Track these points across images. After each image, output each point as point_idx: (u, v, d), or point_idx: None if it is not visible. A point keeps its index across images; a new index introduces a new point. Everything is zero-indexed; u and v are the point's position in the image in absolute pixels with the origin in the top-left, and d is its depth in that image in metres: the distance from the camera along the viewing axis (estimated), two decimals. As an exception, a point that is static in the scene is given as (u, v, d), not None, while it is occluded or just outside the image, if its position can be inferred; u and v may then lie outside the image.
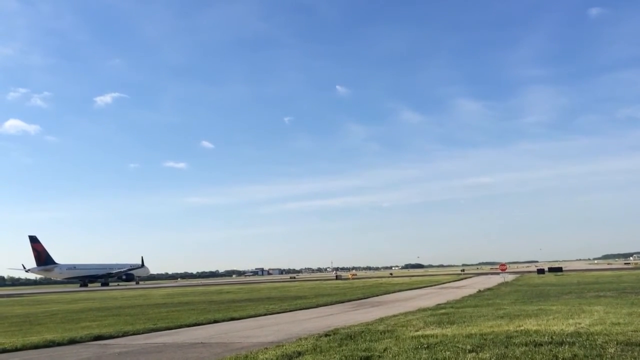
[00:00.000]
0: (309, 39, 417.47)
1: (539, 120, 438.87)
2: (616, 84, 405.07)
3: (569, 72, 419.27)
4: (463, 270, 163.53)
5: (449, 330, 14.27)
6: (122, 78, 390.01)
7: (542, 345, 11.13)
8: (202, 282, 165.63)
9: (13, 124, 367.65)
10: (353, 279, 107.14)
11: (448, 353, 10.74)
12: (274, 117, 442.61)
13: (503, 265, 60.29)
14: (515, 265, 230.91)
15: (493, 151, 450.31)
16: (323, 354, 11.59)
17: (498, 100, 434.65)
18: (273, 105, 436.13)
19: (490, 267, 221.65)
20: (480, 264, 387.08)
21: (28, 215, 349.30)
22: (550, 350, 10.45)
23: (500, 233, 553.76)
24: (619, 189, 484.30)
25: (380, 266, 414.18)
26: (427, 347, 11.61)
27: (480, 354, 10.51)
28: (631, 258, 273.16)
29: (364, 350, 11.61)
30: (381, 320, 18.62)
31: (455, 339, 12.36)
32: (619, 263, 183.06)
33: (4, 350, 15.53)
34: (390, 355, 10.92)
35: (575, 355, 10.00)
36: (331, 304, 30.30)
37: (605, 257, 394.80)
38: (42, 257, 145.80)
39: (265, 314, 24.70)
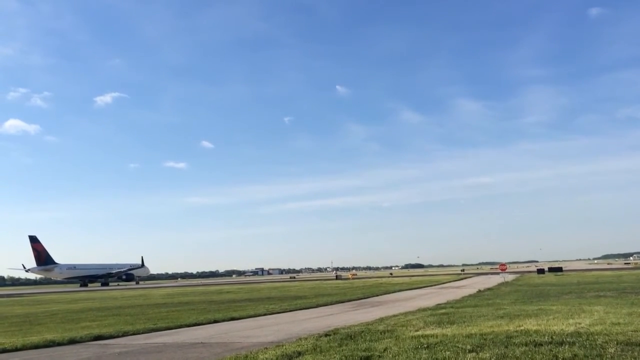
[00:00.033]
0: (309, 39, 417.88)
1: (539, 120, 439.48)
2: (616, 84, 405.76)
3: (569, 72, 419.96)
4: (463, 270, 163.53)
5: (449, 330, 14.27)
6: (122, 78, 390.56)
7: (542, 345, 11.13)
8: (202, 282, 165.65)
9: (13, 124, 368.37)
10: (353, 278, 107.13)
11: (448, 353, 10.74)
12: (274, 117, 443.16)
13: (503, 265, 60.30)
14: (515, 265, 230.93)
15: (493, 151, 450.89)
16: (323, 354, 11.59)
17: (498, 100, 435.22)
18: (273, 105, 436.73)
19: (490, 267, 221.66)
20: (480, 263, 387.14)
21: (28, 215, 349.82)
22: (550, 350, 10.45)
23: (500, 233, 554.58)
24: (619, 189, 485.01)
25: (380, 266, 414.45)
26: (427, 347, 11.61)
27: (480, 353, 10.51)
28: (631, 258, 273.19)
29: (364, 350, 11.61)
30: (381, 320, 18.62)
31: (455, 339, 12.36)
32: (619, 263, 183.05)
33: (4, 350, 15.53)
34: (390, 355, 10.92)
35: (575, 355, 10.00)
36: (331, 304, 30.30)
37: (605, 257, 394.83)
38: (42, 257, 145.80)
39: (265, 314, 24.70)
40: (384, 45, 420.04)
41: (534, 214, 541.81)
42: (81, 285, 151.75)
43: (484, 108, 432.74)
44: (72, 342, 16.94)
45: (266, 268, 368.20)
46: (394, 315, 20.41)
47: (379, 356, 10.98)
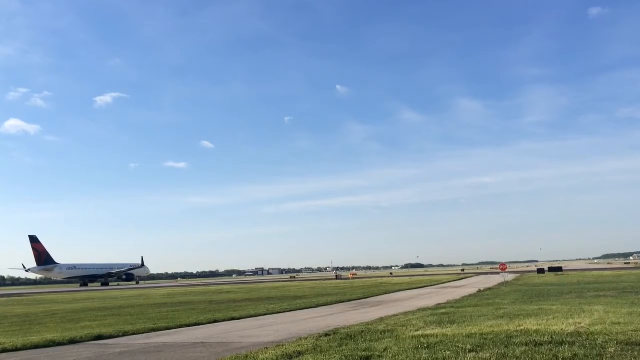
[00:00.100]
0: (309, 39, 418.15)
1: (539, 119, 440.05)
2: (616, 84, 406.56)
3: (569, 72, 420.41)
4: (463, 270, 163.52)
5: (449, 330, 14.26)
6: (122, 78, 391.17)
7: (542, 345, 11.13)
8: (202, 281, 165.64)
9: (13, 124, 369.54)
10: (353, 278, 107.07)
11: (448, 353, 10.74)
12: (274, 116, 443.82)
13: (503, 265, 60.26)
14: (515, 265, 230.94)
15: (493, 151, 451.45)
16: (323, 353, 11.59)
17: (498, 100, 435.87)
18: (273, 105, 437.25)
19: (490, 266, 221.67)
20: (480, 263, 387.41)
21: (28, 215, 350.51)
22: (551, 350, 10.45)
23: (500, 233, 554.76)
24: (619, 189, 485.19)
25: (380, 266, 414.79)
26: (427, 346, 11.61)
27: (481, 353, 10.51)
28: (631, 258, 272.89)
29: (364, 350, 11.61)
30: (381, 320, 18.62)
31: (456, 339, 12.36)
32: (619, 263, 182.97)
33: (4, 350, 15.53)
34: (391, 355, 10.92)
35: (575, 355, 10.00)
36: (331, 303, 30.30)
37: (605, 256, 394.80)
38: (42, 257, 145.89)
39: (265, 314, 24.70)
40: (384, 45, 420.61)
41: (534, 214, 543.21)
42: (81, 285, 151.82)
43: (484, 107, 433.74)
44: (72, 342, 16.95)
45: (266, 268, 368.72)
46: (394, 315, 20.40)
47: (379, 356, 10.98)
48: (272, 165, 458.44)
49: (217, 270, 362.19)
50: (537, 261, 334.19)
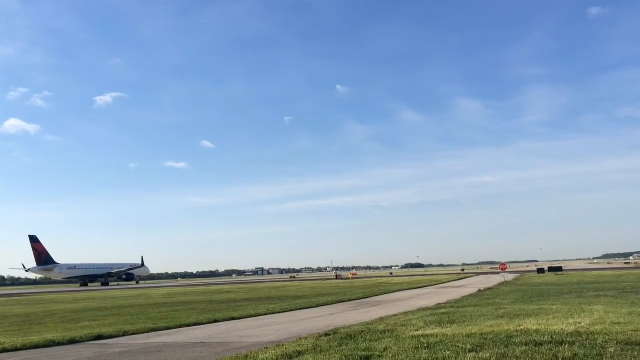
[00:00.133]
0: (309, 38, 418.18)
1: (539, 119, 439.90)
2: (616, 83, 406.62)
3: (569, 71, 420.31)
4: (463, 269, 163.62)
5: (449, 330, 14.26)
6: (122, 78, 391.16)
7: (542, 344, 11.13)
8: (202, 281, 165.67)
9: (13, 124, 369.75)
10: (353, 278, 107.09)
11: (448, 352, 10.74)
12: (274, 116, 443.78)
13: (503, 264, 60.29)
14: (515, 265, 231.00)
15: (493, 150, 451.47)
16: (323, 353, 11.59)
17: (498, 100, 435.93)
18: (273, 105, 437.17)
19: (490, 266, 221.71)
20: (480, 263, 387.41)
21: (28, 215, 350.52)
22: (551, 350, 10.45)
23: (500, 232, 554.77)
24: (619, 188, 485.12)
25: (380, 266, 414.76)
26: (427, 346, 11.61)
27: (481, 353, 10.51)
28: (631, 257, 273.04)
29: (364, 350, 11.61)
30: (381, 319, 18.62)
31: (456, 339, 12.36)
32: (619, 262, 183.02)
33: (4, 350, 15.53)
34: (391, 355, 10.92)
35: (575, 355, 10.00)
36: (331, 303, 30.30)
37: (606, 256, 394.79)
38: (42, 257, 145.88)
39: (265, 314, 24.70)
40: (384, 45, 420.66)
41: (534, 214, 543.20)
42: (81, 285, 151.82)
43: (484, 107, 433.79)
44: (72, 341, 16.95)
45: (266, 268, 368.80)
46: (394, 315, 20.40)
47: (379, 356, 10.98)
48: (272, 165, 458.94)
49: (217, 270, 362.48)
50: (537, 261, 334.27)
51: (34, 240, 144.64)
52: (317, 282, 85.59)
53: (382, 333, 14.47)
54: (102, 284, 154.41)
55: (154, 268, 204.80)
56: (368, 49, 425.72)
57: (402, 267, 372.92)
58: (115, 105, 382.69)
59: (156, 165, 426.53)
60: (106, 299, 52.16)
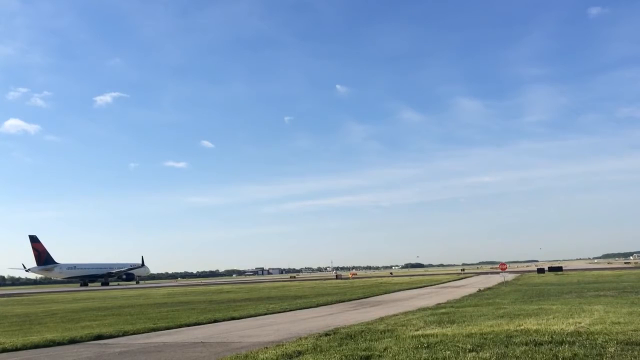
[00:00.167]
0: (309, 38, 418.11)
1: (539, 119, 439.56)
2: (616, 83, 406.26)
3: (569, 71, 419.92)
4: (463, 269, 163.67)
5: (449, 330, 14.26)
6: (122, 77, 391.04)
7: (542, 344, 11.13)
8: (202, 281, 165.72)
9: (13, 124, 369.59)
10: (353, 278, 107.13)
11: (448, 352, 10.74)
12: (274, 116, 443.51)
13: (503, 264, 60.32)
14: (515, 265, 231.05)
15: (493, 150, 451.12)
16: (323, 353, 11.59)
17: (498, 100, 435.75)
18: (273, 105, 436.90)
19: (490, 266, 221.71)
20: (480, 263, 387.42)
21: (28, 215, 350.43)
22: (551, 350, 10.45)
23: (500, 232, 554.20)
24: (619, 188, 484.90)
25: (380, 266, 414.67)
26: (427, 346, 11.61)
27: (481, 353, 10.51)
28: (631, 257, 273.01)
29: (364, 350, 11.61)
30: (381, 319, 18.62)
31: (456, 339, 12.36)
32: (619, 262, 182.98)
33: (4, 350, 15.53)
34: (391, 355, 10.91)
35: (575, 355, 10.00)
36: (331, 303, 30.30)
37: (606, 256, 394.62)
38: (43, 257, 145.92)
39: (265, 314, 24.70)
40: (384, 45, 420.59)
41: (534, 214, 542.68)
42: (81, 285, 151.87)
43: (484, 107, 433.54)
44: (72, 341, 16.95)
45: (266, 268, 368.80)
46: (394, 315, 20.41)
47: (379, 356, 10.97)
48: (272, 165, 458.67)
49: (217, 270, 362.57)
50: (537, 261, 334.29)
51: (34, 240, 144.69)
52: (317, 282, 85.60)
53: (382, 333, 14.47)
54: (102, 284, 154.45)
55: (154, 268, 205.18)
56: (368, 49, 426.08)
57: (402, 267, 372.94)
58: (115, 105, 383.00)
59: (156, 165, 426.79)
60: (106, 298, 52.17)
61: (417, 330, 14.78)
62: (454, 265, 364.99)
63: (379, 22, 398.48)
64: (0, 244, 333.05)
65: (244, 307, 29.62)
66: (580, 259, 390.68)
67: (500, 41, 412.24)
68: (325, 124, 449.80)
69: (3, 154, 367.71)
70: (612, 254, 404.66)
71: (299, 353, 11.77)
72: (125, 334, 18.46)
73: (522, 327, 13.76)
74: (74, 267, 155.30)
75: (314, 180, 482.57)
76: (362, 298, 34.62)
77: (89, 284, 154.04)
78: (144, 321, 22.86)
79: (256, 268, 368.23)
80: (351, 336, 14.04)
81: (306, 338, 14.15)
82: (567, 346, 10.80)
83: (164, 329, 19.63)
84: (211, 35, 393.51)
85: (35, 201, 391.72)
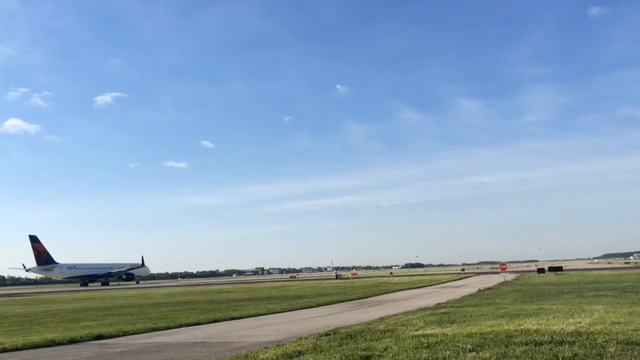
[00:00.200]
0: (309, 38, 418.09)
1: (539, 119, 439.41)
2: (616, 83, 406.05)
3: (569, 71, 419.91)
4: (463, 269, 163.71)
5: (449, 330, 14.27)
6: (122, 77, 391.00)
7: (542, 344, 11.13)
8: (203, 281, 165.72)
9: (13, 124, 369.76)
10: (353, 278, 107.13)
11: (448, 352, 10.74)
12: (274, 116, 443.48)
13: (503, 264, 60.30)
14: (515, 265, 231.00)
15: (493, 150, 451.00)
16: (323, 353, 11.59)
17: (498, 99, 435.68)
18: (273, 105, 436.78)
19: (490, 266, 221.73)
20: (480, 263, 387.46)
21: (28, 215, 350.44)
22: (551, 350, 10.45)
23: (500, 232, 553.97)
24: (618, 188, 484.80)
25: (380, 265, 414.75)
26: (428, 346, 11.61)
27: (481, 353, 10.51)
28: (631, 257, 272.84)
29: (364, 350, 11.61)
30: (381, 319, 18.63)
31: (456, 338, 12.36)
32: (619, 262, 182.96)
33: (5, 350, 15.53)
34: (391, 355, 10.92)
35: (575, 355, 10.00)
36: (331, 303, 30.30)
37: (606, 256, 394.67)
38: (43, 257, 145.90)
39: (265, 314, 24.71)
40: (384, 45, 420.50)
41: (534, 214, 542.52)
42: (81, 285, 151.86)
43: (484, 107, 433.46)
44: (72, 341, 16.95)
45: (266, 267, 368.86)
46: (394, 315, 20.41)
47: (379, 355, 10.98)
48: (272, 165, 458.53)
49: (217, 270, 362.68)
50: (537, 261, 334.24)
51: (34, 240, 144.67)
52: (317, 281, 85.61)
53: (382, 333, 14.48)
54: (102, 284, 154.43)
55: (154, 268, 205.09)
56: (368, 49, 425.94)
57: (402, 267, 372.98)
58: (115, 105, 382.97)
59: (156, 165, 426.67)
60: (106, 298, 52.17)
61: (417, 330, 14.78)
62: (454, 265, 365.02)
63: (379, 22, 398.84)
64: (0, 244, 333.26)
65: (244, 307, 29.62)
66: (580, 258, 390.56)
67: (500, 41, 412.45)
68: (325, 124, 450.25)
69: (3, 154, 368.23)
70: (612, 253, 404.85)
71: (299, 353, 11.77)
72: (125, 333, 18.46)
73: (522, 327, 13.76)
74: (74, 267, 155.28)
75: (314, 180, 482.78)
76: (362, 298, 34.62)
77: (89, 284, 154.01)
78: (144, 321, 22.87)
79: (256, 268, 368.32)
80: (351, 336, 14.04)
81: (306, 338, 14.16)
82: (567, 346, 10.81)
83: (164, 329, 19.64)
84: (211, 35, 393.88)
85: (35, 201, 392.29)
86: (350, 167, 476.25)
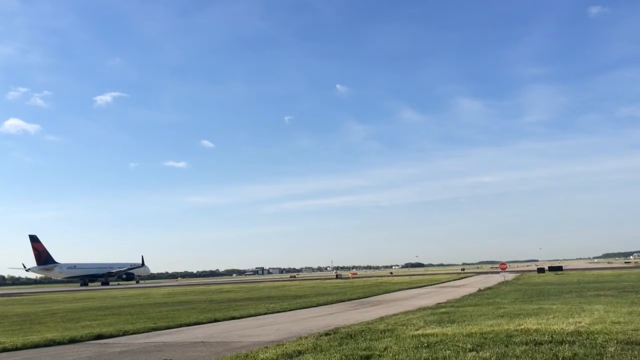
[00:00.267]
0: (309, 38, 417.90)
1: (539, 119, 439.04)
2: (616, 83, 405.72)
3: (569, 71, 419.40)
4: (463, 269, 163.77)
5: (449, 329, 14.27)
6: (122, 77, 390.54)
7: (542, 344, 11.13)
8: (203, 281, 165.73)
9: (13, 123, 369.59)
10: (353, 278, 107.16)
11: (448, 352, 10.74)
12: (274, 116, 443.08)
13: (503, 264, 60.35)
14: (515, 265, 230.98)
15: (493, 150, 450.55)
16: (323, 353, 11.59)
17: (498, 99, 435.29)
18: (273, 104, 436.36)
19: (490, 266, 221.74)
20: (480, 263, 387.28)
21: (28, 214, 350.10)
22: (551, 349, 10.45)
23: (500, 232, 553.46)
24: (618, 188, 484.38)
25: (380, 265, 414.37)
26: (428, 346, 11.61)
27: (481, 352, 10.51)
28: (631, 257, 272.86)
29: (365, 349, 11.61)
30: (381, 319, 18.63)
31: (456, 338, 12.37)
32: (619, 262, 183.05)
33: (5, 350, 15.54)
34: (391, 354, 10.92)
35: (575, 354, 10.00)
36: (331, 303, 30.32)
37: (606, 256, 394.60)
38: (43, 257, 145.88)
39: (265, 313, 24.72)
40: (384, 44, 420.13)
41: (534, 213, 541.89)
42: (81, 285, 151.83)
43: (484, 107, 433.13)
44: (72, 341, 16.96)
45: (266, 267, 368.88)
46: (394, 315, 20.42)
47: (379, 355, 10.98)
48: (272, 164, 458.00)
49: (217, 270, 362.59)
50: (537, 260, 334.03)
51: (34, 239, 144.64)
52: (317, 281, 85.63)
53: (383, 332, 14.48)
54: (102, 284, 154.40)
55: (154, 268, 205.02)
56: (368, 49, 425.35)
57: (402, 267, 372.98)
58: (115, 105, 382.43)
59: (156, 165, 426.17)
60: (106, 298, 52.19)
61: (417, 329, 14.78)
62: (454, 265, 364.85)
63: (379, 22, 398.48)
64: (0, 244, 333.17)
65: (244, 306, 29.63)
66: (580, 258, 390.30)
67: (500, 41, 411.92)
68: (325, 124, 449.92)
69: (3, 154, 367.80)
70: (612, 253, 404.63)
71: (299, 353, 11.78)
72: (125, 333, 18.47)
73: (522, 327, 13.76)
74: (74, 266, 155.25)
75: (314, 180, 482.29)
76: (362, 298, 34.63)
77: (89, 284, 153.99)
78: (144, 321, 22.87)
79: (256, 268, 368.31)
80: (351, 336, 14.05)
81: (306, 338, 14.16)
82: (567, 346, 10.81)
83: (164, 329, 19.65)
84: (211, 35, 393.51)
85: (35, 201, 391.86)
86: (350, 167, 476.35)
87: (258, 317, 23.28)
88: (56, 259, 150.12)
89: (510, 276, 61.21)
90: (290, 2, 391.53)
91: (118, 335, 18.09)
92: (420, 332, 14.13)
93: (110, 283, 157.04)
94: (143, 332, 18.75)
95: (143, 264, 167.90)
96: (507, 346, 11.05)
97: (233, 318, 22.75)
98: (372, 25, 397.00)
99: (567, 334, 12.31)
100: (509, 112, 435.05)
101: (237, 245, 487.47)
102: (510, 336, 12.25)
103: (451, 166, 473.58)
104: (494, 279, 56.67)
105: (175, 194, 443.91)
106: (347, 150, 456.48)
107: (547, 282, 46.00)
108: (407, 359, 10.48)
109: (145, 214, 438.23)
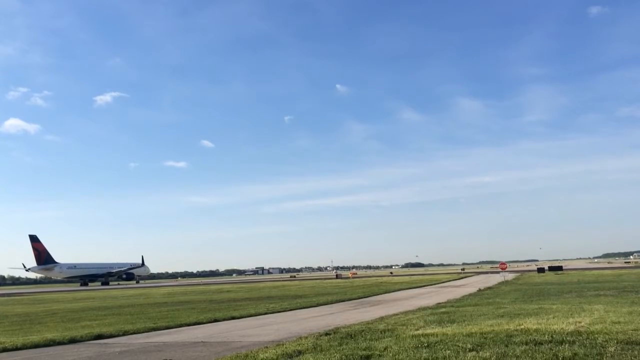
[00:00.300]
0: (309, 38, 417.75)
1: (539, 119, 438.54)
2: (616, 83, 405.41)
3: (569, 71, 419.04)
4: (463, 269, 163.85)
5: (449, 329, 14.27)
6: (122, 77, 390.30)
7: (542, 344, 11.13)
8: (203, 281, 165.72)
9: (13, 123, 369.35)
10: (353, 278, 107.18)
11: (448, 352, 10.74)
12: (274, 116, 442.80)
13: (503, 264, 60.39)
14: (515, 264, 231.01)
15: (493, 150, 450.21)
16: (323, 352, 11.59)
17: (498, 99, 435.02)
18: (273, 104, 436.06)
19: (490, 266, 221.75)
20: (480, 262, 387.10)
21: (28, 214, 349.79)
22: (551, 349, 10.45)
23: (501, 232, 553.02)
24: (619, 188, 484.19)
25: (380, 265, 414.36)
26: (428, 346, 11.61)
27: (481, 352, 10.52)
28: (631, 257, 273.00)
29: (365, 349, 11.61)
30: (381, 319, 18.63)
31: (456, 338, 12.37)
32: (619, 262, 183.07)
33: (5, 350, 15.54)
34: (391, 354, 10.92)
35: (575, 354, 10.00)
36: (331, 302, 30.32)
37: (606, 255, 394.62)
38: (43, 257, 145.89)
39: (265, 313, 24.72)
40: (384, 44, 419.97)
41: (534, 213, 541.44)
42: (81, 285, 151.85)
43: (484, 107, 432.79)
44: (72, 341, 16.96)
45: (266, 267, 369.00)
46: (394, 314, 20.42)
47: (379, 355, 10.98)
48: (272, 164, 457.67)
49: (217, 270, 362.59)
50: (537, 260, 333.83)
51: (34, 239, 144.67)
52: (317, 281, 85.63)
53: (383, 332, 14.48)
54: (102, 284, 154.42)
55: (154, 267, 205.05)
56: (368, 49, 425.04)
57: (402, 267, 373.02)
58: (115, 104, 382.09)
59: (156, 165, 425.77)
60: (106, 298, 52.19)
61: (417, 329, 14.78)
62: (454, 265, 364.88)
63: (379, 22, 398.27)
64: (0, 243, 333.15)
65: (244, 306, 29.64)
66: (580, 258, 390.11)
67: (500, 41, 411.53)
68: (325, 124, 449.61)
69: (3, 154, 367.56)
70: (612, 253, 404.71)
71: (299, 352, 11.78)
72: (125, 333, 18.47)
73: (522, 327, 13.76)
74: (74, 266, 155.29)
75: (314, 180, 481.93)
76: (362, 297, 34.64)
77: (89, 284, 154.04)
78: (144, 321, 22.88)
79: (256, 267, 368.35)
80: (351, 335, 14.05)
81: (306, 337, 14.16)
82: (567, 345, 10.81)
83: (164, 329, 19.65)
84: (211, 35, 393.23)
85: (35, 201, 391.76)
86: (350, 167, 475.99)
87: (258, 317, 23.28)
88: (56, 259, 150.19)
89: (510, 276, 61.22)
90: (290, 2, 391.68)
91: (118, 335, 18.09)
92: (420, 332, 14.13)
93: (110, 283, 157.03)
94: (143, 332, 18.75)
95: (143, 264, 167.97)
96: (507, 346, 11.05)
97: (233, 318, 22.75)
98: (372, 25, 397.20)
99: (567, 333, 12.32)
100: (509, 112, 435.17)
101: (237, 245, 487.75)
102: (510, 336, 12.25)
103: (451, 166, 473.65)
104: (494, 279, 56.67)
105: (175, 194, 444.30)
106: (347, 150, 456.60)
107: (547, 282, 46.01)
108: (407, 358, 10.48)
109: (145, 214, 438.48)
